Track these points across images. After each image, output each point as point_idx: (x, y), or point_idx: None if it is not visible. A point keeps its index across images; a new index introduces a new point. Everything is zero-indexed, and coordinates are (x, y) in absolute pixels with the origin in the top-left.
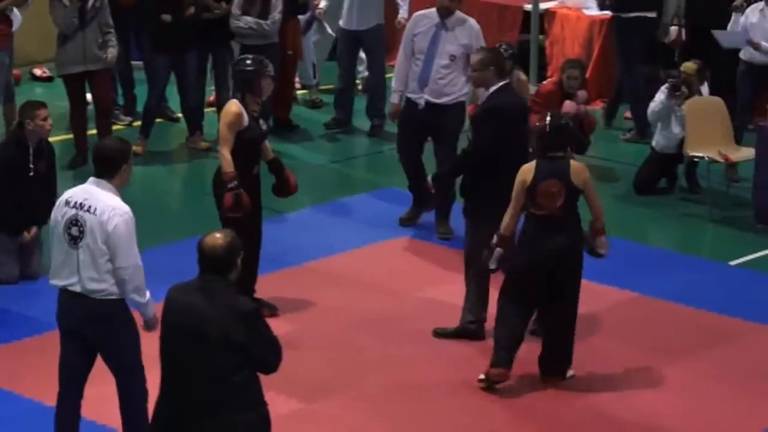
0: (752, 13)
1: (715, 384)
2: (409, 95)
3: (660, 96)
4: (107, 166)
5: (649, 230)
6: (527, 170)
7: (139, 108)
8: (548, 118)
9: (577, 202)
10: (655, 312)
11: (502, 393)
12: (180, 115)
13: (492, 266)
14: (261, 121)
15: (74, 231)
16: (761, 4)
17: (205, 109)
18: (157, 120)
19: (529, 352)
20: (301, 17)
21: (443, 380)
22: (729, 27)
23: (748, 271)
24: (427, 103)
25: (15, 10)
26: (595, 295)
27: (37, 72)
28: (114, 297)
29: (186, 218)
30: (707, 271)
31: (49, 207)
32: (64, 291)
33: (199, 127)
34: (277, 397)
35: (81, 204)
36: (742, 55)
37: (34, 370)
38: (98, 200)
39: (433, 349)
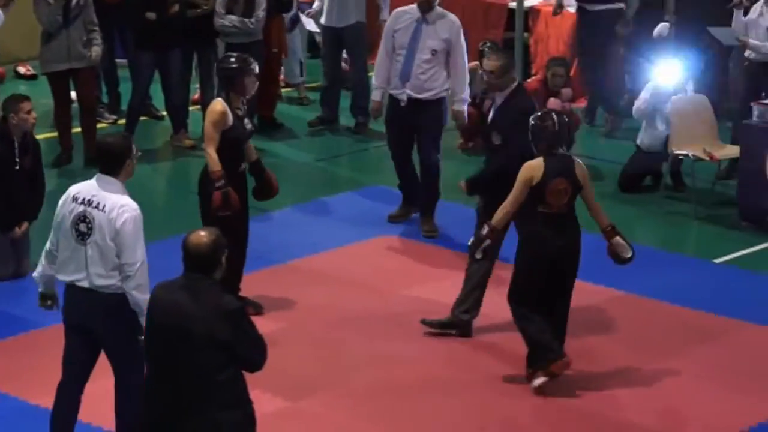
0: (753, 11)
1: (700, 382)
2: (392, 92)
3: (645, 94)
4: (112, 162)
5: (634, 228)
6: (535, 168)
7: (124, 106)
8: (555, 116)
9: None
10: (641, 310)
11: (488, 391)
12: (164, 113)
13: (478, 256)
14: (246, 120)
15: (82, 227)
16: (762, 2)
17: (190, 107)
18: (142, 118)
19: (513, 351)
20: (285, 15)
21: (429, 378)
22: (733, 24)
23: (733, 269)
24: (409, 98)
25: None
26: (580, 293)
27: (21, 70)
28: (121, 292)
29: (171, 216)
30: (692, 269)
31: (37, 202)
32: (70, 286)
33: (183, 125)
34: (263, 395)
35: (89, 201)
36: (746, 53)
37: (22, 368)
38: (106, 197)
39: (419, 347)
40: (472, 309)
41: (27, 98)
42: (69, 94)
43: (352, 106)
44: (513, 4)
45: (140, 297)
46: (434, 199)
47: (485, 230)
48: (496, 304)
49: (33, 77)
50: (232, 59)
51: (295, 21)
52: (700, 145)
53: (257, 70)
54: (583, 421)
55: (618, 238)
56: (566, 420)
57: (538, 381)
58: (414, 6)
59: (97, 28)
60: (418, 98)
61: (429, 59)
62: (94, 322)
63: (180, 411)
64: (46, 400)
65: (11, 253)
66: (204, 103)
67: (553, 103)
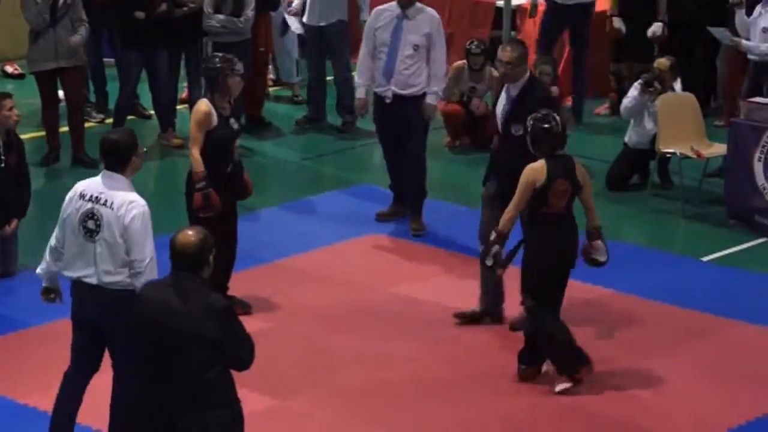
0: (755, 11)
1: (688, 380)
2: (377, 90)
3: (633, 92)
4: (118, 159)
5: (621, 226)
6: (538, 170)
7: (111, 105)
8: (556, 117)
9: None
10: (628, 308)
11: (477, 389)
12: (152, 112)
13: (488, 263)
14: (232, 120)
15: (90, 224)
16: (762, 3)
17: (178, 106)
18: (129, 117)
19: (501, 349)
20: (274, 14)
21: (418, 377)
22: (736, 23)
23: (720, 267)
24: (395, 95)
25: None
26: (568, 292)
27: (9, 69)
28: (129, 288)
29: (158, 215)
30: (680, 267)
31: (24, 200)
32: (77, 282)
33: (171, 123)
34: (250, 394)
35: (97, 198)
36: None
37: (9, 368)
38: (114, 194)
39: (408, 346)
40: (500, 301)
41: (9, 95)
42: (56, 94)
43: (337, 105)
44: (500, 3)
45: None
46: (421, 197)
47: (493, 236)
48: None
49: (20, 76)
50: (217, 59)
51: (287, 23)
52: (687, 143)
53: (242, 70)
54: (572, 418)
55: (599, 241)
56: (556, 417)
57: (563, 386)
58: (393, 3)
59: (85, 24)
60: (403, 94)
61: (411, 54)
62: (100, 318)
63: (167, 409)
64: (34, 399)
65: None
66: (191, 102)
67: None
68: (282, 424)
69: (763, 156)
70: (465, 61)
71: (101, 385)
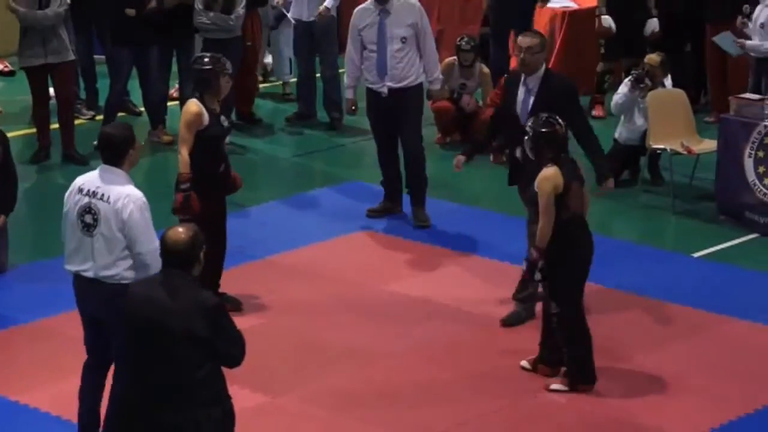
0: (757, 10)
1: (677, 375)
2: (371, 86)
3: (623, 88)
4: (114, 153)
5: (612, 222)
6: (555, 176)
7: (102, 102)
8: (558, 119)
9: None
10: (618, 304)
11: (468, 387)
12: (142, 109)
13: (537, 278)
14: (223, 118)
15: (88, 219)
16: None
17: (168, 103)
18: (120, 114)
19: (494, 346)
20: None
21: (409, 374)
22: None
23: (711, 263)
24: (390, 89)
25: None
26: None
27: None
28: (126, 281)
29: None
30: (670, 263)
31: (11, 196)
32: (77, 276)
33: (161, 120)
34: (242, 391)
35: (94, 192)
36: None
37: (1, 365)
38: (111, 188)
39: (399, 343)
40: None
41: None
42: (47, 91)
43: (324, 101)
44: None
45: None
46: (424, 188)
47: (535, 254)
48: (484, 300)
49: (11, 74)
50: (206, 60)
51: (279, 18)
52: (678, 139)
53: (231, 69)
54: (562, 414)
55: None
56: (547, 413)
57: (558, 386)
58: (371, 0)
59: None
60: (399, 87)
61: (401, 48)
62: (99, 311)
63: (159, 407)
64: (26, 396)
65: None
66: (182, 98)
67: None
68: (273, 421)
69: (753, 152)
70: (455, 57)
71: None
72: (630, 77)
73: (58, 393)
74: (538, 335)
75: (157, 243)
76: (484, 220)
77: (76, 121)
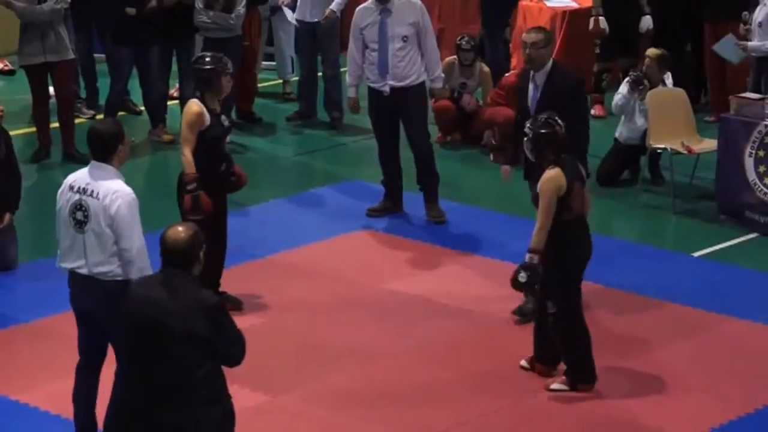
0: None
1: (676, 375)
2: (373, 85)
3: (623, 89)
4: (103, 149)
5: (612, 222)
6: (557, 177)
7: (102, 101)
8: (557, 119)
9: None
10: (619, 303)
11: (468, 387)
12: (142, 108)
13: (521, 278)
14: (223, 117)
15: (79, 216)
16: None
17: (168, 102)
18: (120, 113)
19: (493, 345)
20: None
21: (409, 373)
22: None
23: (711, 263)
24: (392, 88)
25: None
26: None
27: None
28: (120, 278)
29: (149, 212)
30: (670, 263)
31: (15, 194)
32: (72, 273)
33: (161, 120)
34: (242, 390)
35: (84, 189)
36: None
37: (2, 364)
38: (100, 184)
39: (400, 342)
40: None
41: None
42: (47, 89)
43: (325, 101)
44: None
45: None
46: (435, 185)
47: (536, 259)
48: (485, 300)
49: (11, 72)
50: (207, 59)
51: (274, 10)
52: (678, 138)
53: (232, 69)
54: (560, 413)
55: None
56: (545, 413)
57: (558, 386)
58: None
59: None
60: (401, 86)
61: (402, 46)
62: (94, 308)
63: (159, 407)
64: (26, 395)
65: None
66: (182, 98)
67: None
68: (274, 420)
69: (753, 151)
70: (455, 56)
71: (102, 382)
72: (628, 79)
73: (58, 392)
74: None
75: (142, 241)
76: (485, 220)
77: (77, 120)
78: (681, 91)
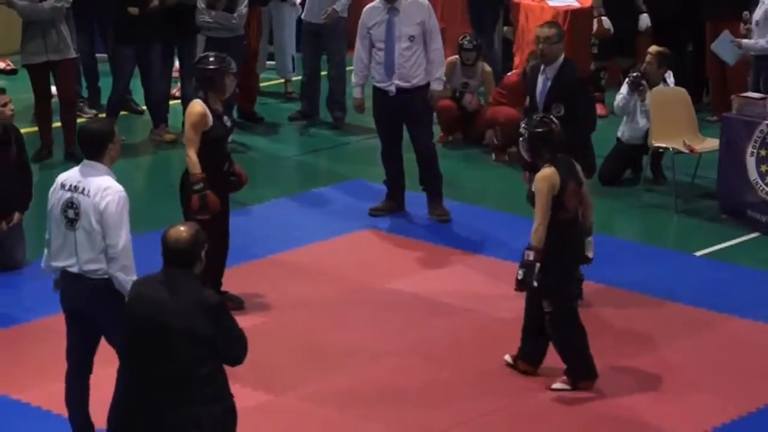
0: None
1: (679, 374)
2: (379, 85)
3: (623, 89)
4: (94, 148)
5: (614, 221)
6: (551, 176)
7: (104, 100)
8: (553, 118)
9: None
10: (621, 303)
11: (474, 386)
12: (144, 107)
13: (535, 283)
14: (225, 118)
15: (70, 213)
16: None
17: (170, 102)
18: (122, 113)
19: (495, 345)
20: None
21: (411, 373)
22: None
23: (713, 262)
24: (398, 88)
25: None
26: None
27: (1, 65)
28: (109, 276)
29: (150, 211)
30: (672, 262)
31: (26, 194)
32: (63, 272)
33: (163, 119)
34: (243, 389)
35: (75, 186)
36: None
37: (4, 363)
38: (91, 182)
39: (402, 342)
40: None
41: (2, 90)
42: (49, 89)
43: (328, 100)
44: None
45: (125, 279)
46: (439, 184)
47: (533, 255)
48: (487, 299)
49: (13, 72)
50: (211, 59)
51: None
52: (680, 138)
53: (235, 69)
54: (560, 412)
55: (590, 238)
56: (545, 412)
57: (560, 386)
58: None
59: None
60: (406, 87)
61: (409, 46)
62: (84, 307)
63: (160, 406)
64: (28, 394)
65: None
66: (184, 97)
67: None
68: (276, 419)
69: (755, 151)
70: (457, 56)
71: (101, 382)
72: (627, 80)
73: (60, 391)
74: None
75: (128, 239)
76: (487, 219)
77: (79, 120)
78: (683, 91)
